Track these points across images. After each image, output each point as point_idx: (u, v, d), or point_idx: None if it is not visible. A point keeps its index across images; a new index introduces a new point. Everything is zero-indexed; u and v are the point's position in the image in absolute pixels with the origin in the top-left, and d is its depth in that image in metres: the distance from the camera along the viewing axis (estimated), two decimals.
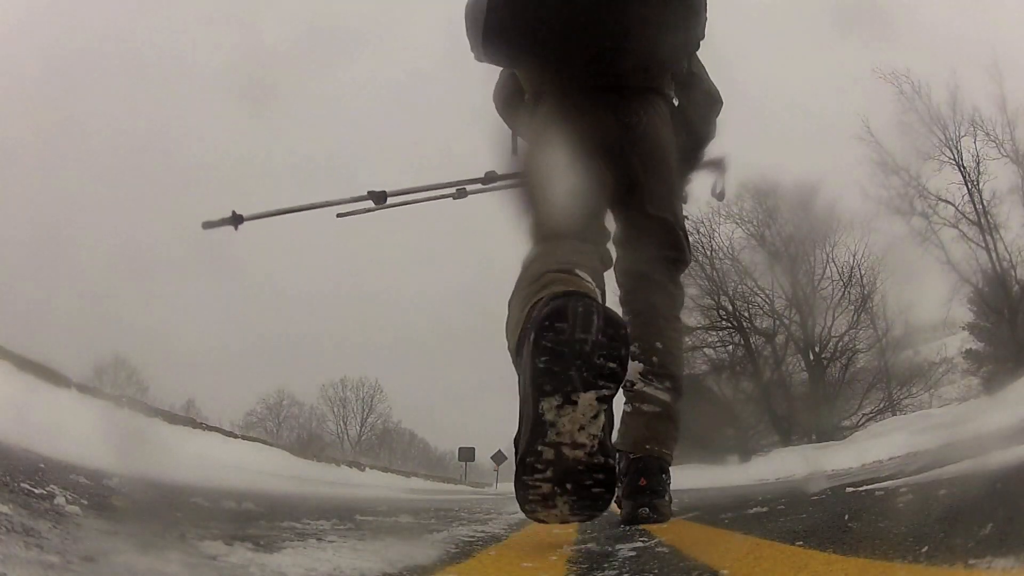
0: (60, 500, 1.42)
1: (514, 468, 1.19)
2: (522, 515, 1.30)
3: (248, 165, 42.02)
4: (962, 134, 13.33)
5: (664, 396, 1.68)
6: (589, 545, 1.75)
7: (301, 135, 48.68)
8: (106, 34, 37.83)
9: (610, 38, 1.56)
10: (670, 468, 1.69)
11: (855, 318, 15.33)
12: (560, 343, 1.09)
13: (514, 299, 1.37)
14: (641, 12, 1.54)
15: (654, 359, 1.68)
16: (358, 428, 34.14)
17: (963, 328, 14.36)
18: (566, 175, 1.51)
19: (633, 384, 1.67)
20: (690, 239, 1.91)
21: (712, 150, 2.04)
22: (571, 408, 1.11)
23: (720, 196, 2.10)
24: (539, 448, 1.12)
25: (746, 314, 16.42)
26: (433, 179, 2.38)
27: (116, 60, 42.36)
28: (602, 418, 1.14)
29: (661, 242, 1.78)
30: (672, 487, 1.74)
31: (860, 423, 14.39)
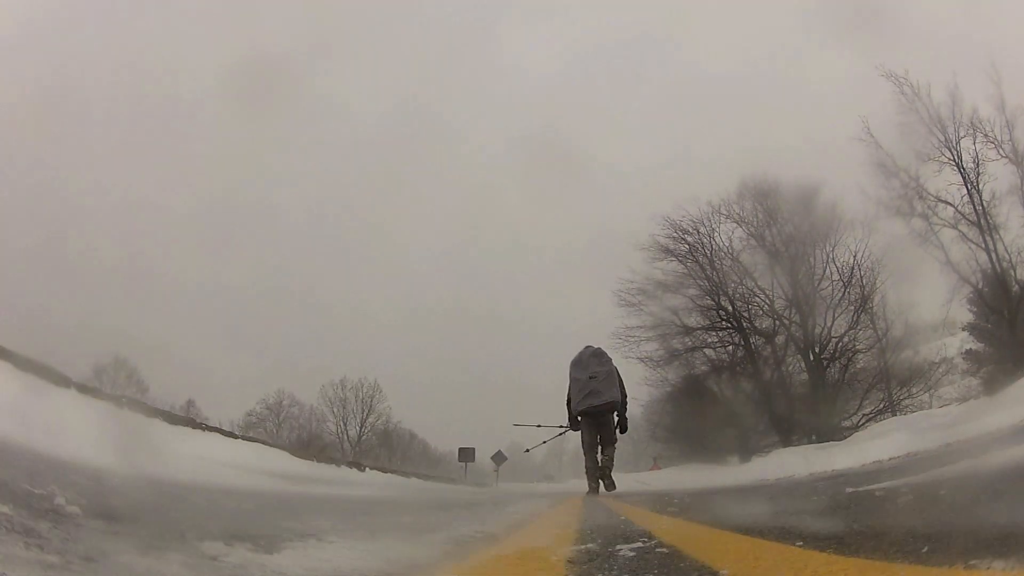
0: (60, 500, 1.42)
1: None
2: (521, 515, 1.52)
3: (249, 166, 41.99)
4: (962, 135, 13.30)
5: (609, 456, 8.54)
6: (589, 545, 1.75)
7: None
8: (107, 38, 37.80)
9: (601, 416, 8.56)
10: (612, 473, 8.53)
11: (855, 318, 15.27)
12: (591, 487, 8.42)
13: (587, 474, 8.52)
14: (608, 412, 8.63)
15: (606, 452, 8.56)
16: (358, 428, 34.08)
17: (963, 328, 14.31)
18: (589, 437, 8.52)
19: (600, 459, 8.55)
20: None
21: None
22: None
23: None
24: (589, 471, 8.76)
25: (746, 314, 16.39)
26: None
27: (117, 60, 42.33)
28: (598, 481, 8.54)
29: (608, 453, 8.57)
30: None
31: (860, 423, 14.35)
